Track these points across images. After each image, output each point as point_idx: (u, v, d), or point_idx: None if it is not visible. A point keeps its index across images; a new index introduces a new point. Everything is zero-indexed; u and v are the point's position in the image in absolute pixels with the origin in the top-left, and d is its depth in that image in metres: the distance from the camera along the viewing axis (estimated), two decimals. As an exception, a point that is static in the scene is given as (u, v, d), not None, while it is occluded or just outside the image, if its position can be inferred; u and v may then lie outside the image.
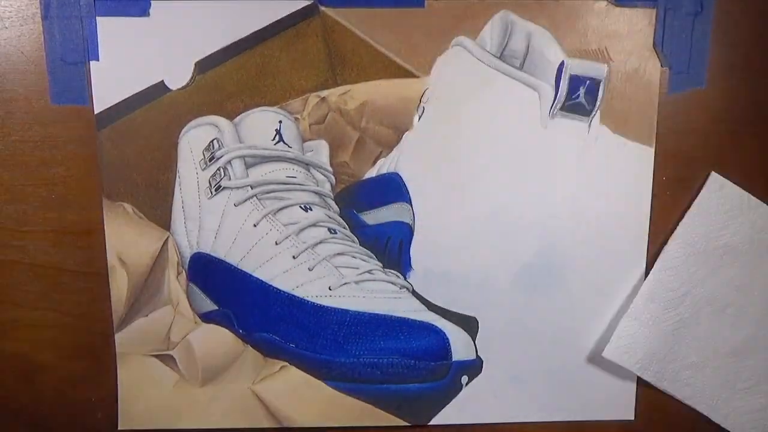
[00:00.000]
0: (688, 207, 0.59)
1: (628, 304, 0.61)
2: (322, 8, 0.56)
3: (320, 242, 0.59)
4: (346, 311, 0.59)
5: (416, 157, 0.59)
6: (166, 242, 0.58)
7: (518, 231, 0.60)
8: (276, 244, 0.58)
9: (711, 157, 0.59)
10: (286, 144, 0.58)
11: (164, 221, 0.58)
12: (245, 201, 0.58)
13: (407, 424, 0.61)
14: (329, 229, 0.59)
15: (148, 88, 0.56)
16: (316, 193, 0.59)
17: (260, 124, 0.58)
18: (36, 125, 0.56)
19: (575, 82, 0.57)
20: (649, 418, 0.63)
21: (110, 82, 0.56)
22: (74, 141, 0.57)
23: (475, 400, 0.62)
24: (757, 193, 0.60)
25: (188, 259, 0.59)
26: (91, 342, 0.59)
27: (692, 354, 0.61)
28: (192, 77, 0.56)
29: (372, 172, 0.59)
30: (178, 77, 0.56)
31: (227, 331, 0.59)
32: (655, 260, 0.60)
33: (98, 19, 0.55)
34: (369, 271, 0.59)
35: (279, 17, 0.56)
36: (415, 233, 0.59)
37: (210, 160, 0.58)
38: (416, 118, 0.58)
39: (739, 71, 0.58)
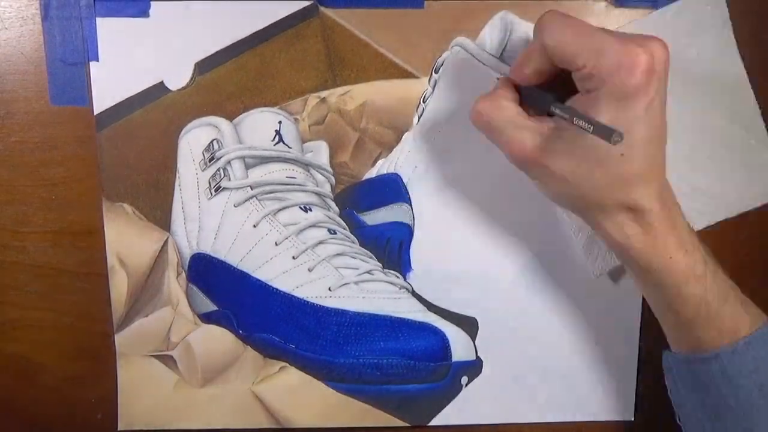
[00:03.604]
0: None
1: (626, 304, 0.61)
2: (322, 9, 0.56)
3: (320, 243, 0.59)
4: (345, 312, 0.59)
5: (416, 157, 0.59)
6: (166, 243, 0.58)
7: (518, 231, 0.60)
8: (276, 244, 0.58)
9: (711, 158, 0.59)
10: (286, 144, 0.58)
11: (164, 222, 0.58)
12: (245, 202, 0.58)
13: (407, 424, 0.61)
14: (329, 230, 0.59)
15: (148, 88, 0.56)
16: (316, 193, 0.59)
17: (260, 124, 0.58)
18: (36, 126, 0.56)
19: (575, 82, 0.57)
20: (649, 419, 0.63)
21: (110, 83, 0.56)
22: (74, 141, 0.57)
23: (475, 401, 0.61)
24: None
25: (188, 260, 0.59)
26: (91, 342, 0.59)
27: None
28: (192, 78, 0.56)
29: (372, 173, 0.59)
30: (178, 78, 0.56)
31: (227, 331, 0.59)
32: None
33: (98, 19, 0.55)
34: (369, 272, 0.59)
35: (279, 18, 0.56)
36: (415, 233, 0.59)
37: (210, 161, 0.58)
38: (416, 118, 0.58)
39: (739, 71, 0.59)
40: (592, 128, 0.42)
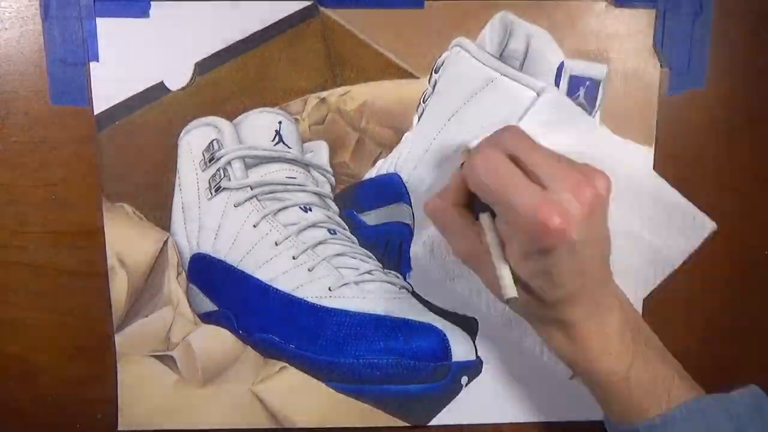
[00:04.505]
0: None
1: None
2: (322, 9, 0.56)
3: (320, 243, 0.59)
4: (346, 312, 0.59)
5: (416, 157, 0.59)
6: (165, 243, 0.58)
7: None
8: (276, 244, 0.58)
9: (711, 157, 0.59)
10: (286, 145, 0.58)
11: (164, 222, 0.58)
12: (245, 202, 0.58)
13: (407, 424, 0.61)
14: (329, 230, 0.59)
15: (148, 88, 0.56)
16: (315, 193, 0.59)
17: (260, 124, 0.58)
18: (36, 126, 0.56)
19: (575, 82, 0.57)
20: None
21: (110, 83, 0.56)
22: (74, 141, 0.57)
23: (475, 401, 0.61)
24: (756, 194, 0.60)
25: (188, 260, 0.59)
26: (91, 342, 0.59)
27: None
28: (192, 78, 0.56)
29: (372, 173, 0.59)
30: (178, 78, 0.56)
31: (227, 331, 0.59)
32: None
33: (98, 19, 0.55)
34: (369, 272, 0.59)
35: (279, 18, 0.56)
36: (415, 233, 0.60)
37: (210, 161, 0.58)
38: (416, 118, 0.58)
39: (739, 71, 0.59)
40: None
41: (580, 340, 0.49)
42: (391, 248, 0.60)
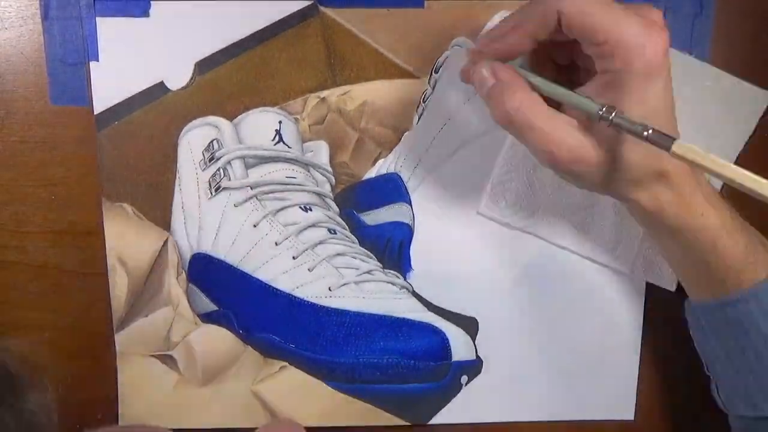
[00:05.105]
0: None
1: (627, 304, 0.61)
2: (322, 9, 0.56)
3: (320, 243, 0.59)
4: (346, 312, 0.59)
5: (416, 157, 0.59)
6: (166, 243, 0.58)
7: (519, 231, 0.60)
8: (276, 244, 0.58)
9: (711, 158, 0.59)
10: (286, 144, 0.58)
11: (164, 222, 0.58)
12: (245, 201, 0.58)
13: (407, 423, 0.61)
14: (329, 230, 0.59)
15: (148, 88, 0.56)
16: (316, 193, 0.59)
17: (260, 124, 0.58)
18: (36, 126, 0.56)
19: (575, 82, 0.57)
20: (648, 418, 0.63)
21: (110, 83, 0.56)
22: (74, 141, 0.56)
23: (474, 400, 0.62)
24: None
25: (188, 260, 0.59)
26: (91, 342, 0.59)
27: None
28: (192, 78, 0.56)
29: (372, 173, 0.59)
30: (178, 78, 0.56)
31: (227, 331, 0.59)
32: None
33: (98, 19, 0.55)
34: (369, 272, 0.59)
35: (279, 18, 0.56)
36: (415, 233, 0.59)
37: (210, 161, 0.58)
38: (416, 118, 0.58)
39: (739, 71, 0.58)
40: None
41: (684, 191, 0.47)
42: (391, 248, 0.60)
